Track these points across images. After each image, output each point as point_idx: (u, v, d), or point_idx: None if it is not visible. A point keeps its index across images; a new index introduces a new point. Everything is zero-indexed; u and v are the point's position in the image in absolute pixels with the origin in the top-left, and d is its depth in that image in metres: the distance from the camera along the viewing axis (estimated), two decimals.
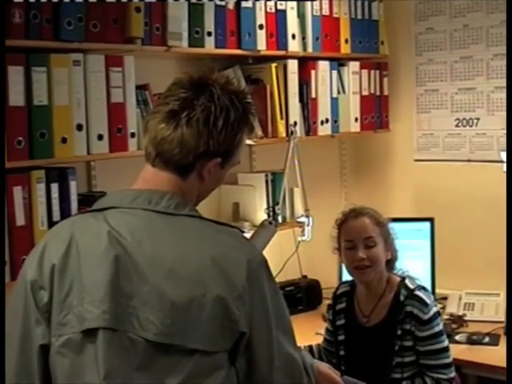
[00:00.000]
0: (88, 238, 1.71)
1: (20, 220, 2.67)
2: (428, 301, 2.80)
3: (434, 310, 2.81)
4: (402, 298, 2.82)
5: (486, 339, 3.41)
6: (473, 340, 3.41)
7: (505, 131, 3.94)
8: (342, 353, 2.95)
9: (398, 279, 2.90)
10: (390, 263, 2.92)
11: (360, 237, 2.85)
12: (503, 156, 3.57)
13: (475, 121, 4.07)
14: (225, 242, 1.70)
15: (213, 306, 1.62)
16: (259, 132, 3.54)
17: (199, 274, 1.63)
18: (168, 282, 1.63)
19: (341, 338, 2.97)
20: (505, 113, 3.95)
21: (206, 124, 1.70)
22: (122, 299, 1.64)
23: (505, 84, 3.93)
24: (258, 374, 1.71)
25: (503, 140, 3.94)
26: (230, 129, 1.73)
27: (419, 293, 2.82)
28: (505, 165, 3.56)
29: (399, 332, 2.79)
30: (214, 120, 1.71)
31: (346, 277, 3.85)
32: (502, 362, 3.17)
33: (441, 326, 2.81)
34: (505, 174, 3.57)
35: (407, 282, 2.87)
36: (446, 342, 2.82)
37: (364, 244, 2.84)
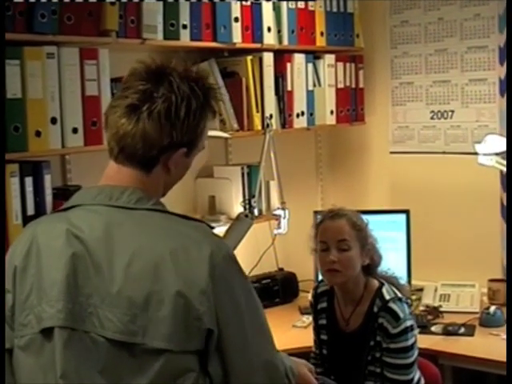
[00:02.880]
0: (48, 237, 1.69)
1: None
2: (401, 314, 2.68)
3: (407, 324, 2.69)
4: (375, 309, 2.74)
5: (462, 330, 3.43)
6: (448, 331, 3.43)
7: (479, 123, 3.98)
8: (324, 352, 2.92)
9: (377, 285, 2.80)
10: (370, 268, 2.83)
11: (333, 239, 2.78)
12: (478, 148, 3.59)
13: (450, 113, 4.09)
14: (187, 235, 1.65)
15: (172, 302, 1.57)
16: (235, 125, 3.54)
17: (157, 268, 1.59)
18: (125, 277, 1.59)
19: (323, 337, 2.92)
20: (479, 105, 3.98)
21: (168, 116, 1.66)
22: (81, 298, 1.61)
23: (479, 77, 3.97)
24: (236, 381, 1.65)
25: (477, 132, 3.97)
26: (193, 118, 1.69)
27: (393, 305, 2.71)
28: (479, 156, 3.58)
29: (372, 343, 2.73)
30: (176, 111, 1.66)
31: None
32: (477, 352, 3.22)
33: (409, 342, 2.68)
34: (480, 166, 3.59)
35: (384, 290, 2.77)
36: (411, 359, 2.70)
37: (337, 247, 2.76)
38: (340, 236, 2.78)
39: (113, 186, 1.71)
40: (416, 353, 2.75)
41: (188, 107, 1.68)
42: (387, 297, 2.75)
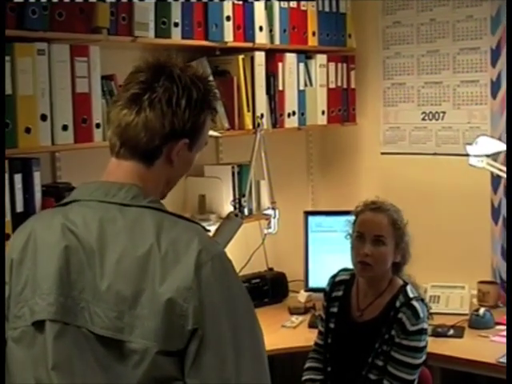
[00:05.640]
0: (44, 231, 1.69)
1: None
2: (421, 314, 2.76)
3: (424, 325, 2.77)
4: (398, 303, 2.79)
5: (451, 331, 3.43)
6: (438, 332, 3.42)
7: (470, 125, 3.98)
8: (329, 341, 2.93)
9: (401, 283, 2.86)
10: (398, 266, 2.89)
11: (371, 232, 2.83)
12: (469, 150, 3.59)
13: (441, 114, 4.09)
14: (177, 233, 1.63)
15: (158, 300, 1.55)
16: (226, 124, 3.53)
17: (145, 265, 1.57)
18: (115, 273, 1.59)
19: (331, 325, 2.94)
20: (470, 107, 3.98)
21: (169, 104, 1.66)
22: (74, 292, 1.61)
23: (471, 78, 3.97)
24: None
25: (468, 134, 3.97)
26: (194, 107, 1.69)
27: (416, 303, 2.78)
28: (470, 158, 3.58)
29: (386, 336, 2.76)
30: (177, 99, 1.67)
31: (313, 269, 3.88)
32: (465, 353, 3.22)
33: (422, 344, 2.75)
34: (470, 168, 3.60)
35: (408, 289, 2.83)
36: (418, 361, 2.76)
37: (373, 240, 2.81)
38: (378, 231, 2.83)
39: (111, 182, 1.70)
40: (424, 357, 2.79)
41: (189, 97, 1.68)
42: (411, 295, 2.82)
